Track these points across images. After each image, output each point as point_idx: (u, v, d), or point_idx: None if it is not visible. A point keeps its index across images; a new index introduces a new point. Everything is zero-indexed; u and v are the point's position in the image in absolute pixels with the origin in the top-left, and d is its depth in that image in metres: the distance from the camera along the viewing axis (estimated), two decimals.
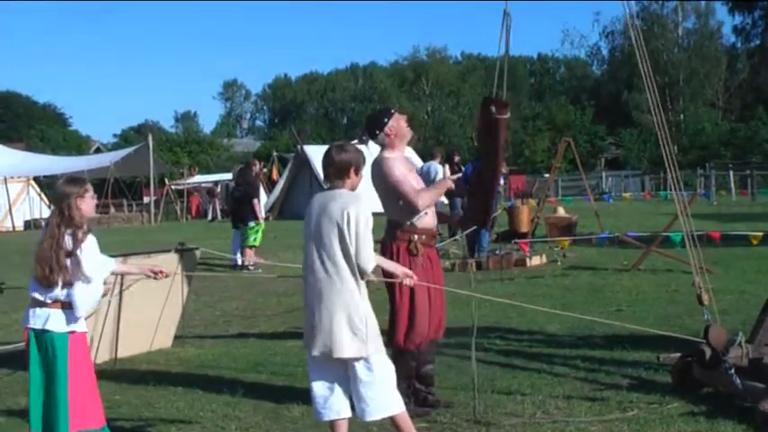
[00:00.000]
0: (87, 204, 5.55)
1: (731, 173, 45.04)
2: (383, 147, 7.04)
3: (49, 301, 5.38)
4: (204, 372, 8.79)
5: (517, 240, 16.50)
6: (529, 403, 6.99)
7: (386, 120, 6.99)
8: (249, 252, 17.47)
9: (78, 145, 75.29)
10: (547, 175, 39.25)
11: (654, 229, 17.08)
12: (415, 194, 6.76)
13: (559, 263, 16.39)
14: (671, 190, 7.65)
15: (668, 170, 7.55)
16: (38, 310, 5.40)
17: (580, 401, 6.96)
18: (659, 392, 7.04)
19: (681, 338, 7.35)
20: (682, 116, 65.87)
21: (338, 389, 5.76)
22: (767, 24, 57.75)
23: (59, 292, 5.38)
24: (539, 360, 8.48)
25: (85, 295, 5.44)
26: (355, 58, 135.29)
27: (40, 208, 41.80)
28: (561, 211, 20.44)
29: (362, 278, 5.69)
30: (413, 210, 6.77)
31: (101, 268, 5.59)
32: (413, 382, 6.95)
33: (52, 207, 5.53)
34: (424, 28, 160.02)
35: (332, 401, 5.75)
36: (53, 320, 5.38)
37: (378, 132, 6.99)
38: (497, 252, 16.66)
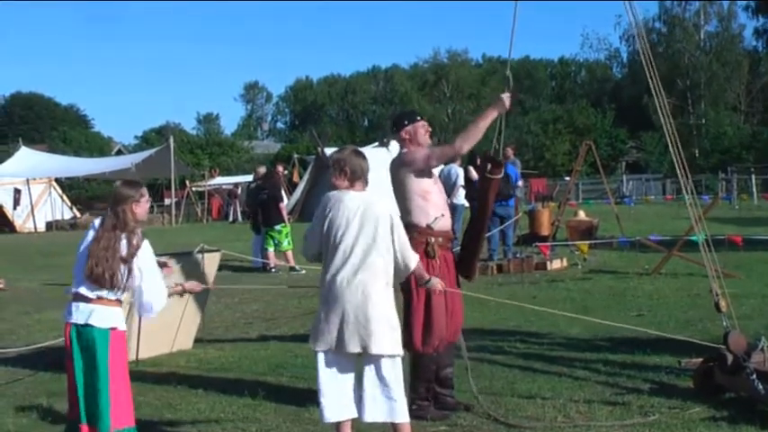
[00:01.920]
0: (142, 209, 5.72)
1: (753, 176, 44.78)
2: (400, 147, 7.13)
3: (93, 297, 5.47)
4: (225, 373, 8.82)
5: (538, 243, 16.48)
6: (549, 407, 6.98)
7: (406, 122, 7.06)
8: (270, 254, 17.58)
9: (100, 146, 75.61)
10: (567, 179, 39.16)
11: (675, 233, 17.01)
12: (448, 146, 6.89)
13: (580, 266, 16.35)
14: (690, 194, 7.58)
15: (680, 177, 7.52)
16: (81, 305, 5.48)
17: (601, 406, 6.94)
18: (681, 397, 7.02)
19: (701, 344, 7.32)
20: (703, 120, 65.56)
21: (348, 390, 5.82)
22: None
23: (106, 291, 5.49)
24: (559, 364, 8.46)
25: (153, 295, 5.63)
26: (377, 61, 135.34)
27: (62, 209, 42.08)
28: (582, 215, 20.39)
29: (403, 277, 5.85)
30: (457, 152, 7.09)
31: (158, 269, 5.73)
32: (432, 386, 6.96)
33: (108, 208, 5.63)
34: (445, 31, 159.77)
35: (342, 402, 5.80)
36: (96, 316, 5.46)
37: (395, 130, 7.10)
38: (518, 255, 16.64)
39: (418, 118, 7.14)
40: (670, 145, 7.49)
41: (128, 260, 5.50)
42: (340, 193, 5.94)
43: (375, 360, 5.72)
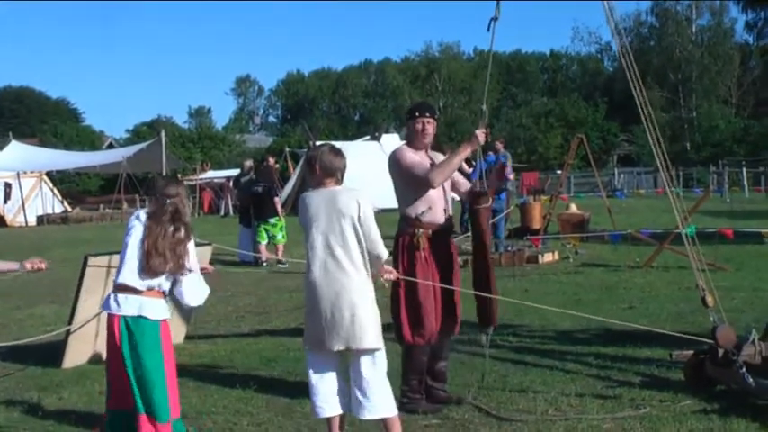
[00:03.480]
0: (187, 207, 5.78)
1: (744, 170, 44.95)
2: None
3: (143, 289, 5.48)
4: (217, 367, 8.82)
5: (529, 237, 16.50)
6: (541, 400, 6.98)
7: (417, 114, 7.04)
8: (262, 248, 17.57)
9: (91, 140, 75.42)
10: (559, 172, 39.17)
11: (666, 226, 17.04)
12: (426, 172, 6.78)
13: (572, 260, 16.37)
14: (673, 188, 7.58)
15: (662, 172, 7.54)
16: (130, 297, 5.47)
17: (592, 399, 6.95)
18: (672, 390, 7.03)
19: (691, 339, 7.33)
20: (695, 113, 65.70)
21: (337, 385, 5.87)
22: None
23: (158, 282, 5.53)
24: (551, 357, 8.47)
25: (197, 287, 5.72)
26: (368, 55, 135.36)
27: (53, 203, 41.99)
28: (574, 208, 20.42)
29: (377, 266, 5.87)
30: (430, 185, 6.75)
31: (197, 263, 5.79)
32: (425, 378, 6.94)
33: (166, 201, 5.62)
34: (437, 24, 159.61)
35: (332, 398, 5.84)
36: (148, 308, 5.47)
37: (407, 118, 7.17)
38: (510, 248, 16.66)
39: (426, 114, 7.06)
40: (652, 144, 7.49)
41: (186, 250, 5.58)
42: (311, 191, 5.98)
43: (357, 355, 5.76)
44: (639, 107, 7.29)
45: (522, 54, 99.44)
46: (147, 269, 5.46)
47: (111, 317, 5.51)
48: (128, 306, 5.46)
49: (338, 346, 5.72)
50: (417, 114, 7.02)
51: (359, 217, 5.74)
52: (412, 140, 7.07)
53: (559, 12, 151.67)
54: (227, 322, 11.55)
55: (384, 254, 5.90)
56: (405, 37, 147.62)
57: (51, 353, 9.22)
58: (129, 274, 5.49)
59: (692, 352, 7.27)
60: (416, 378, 6.88)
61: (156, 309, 5.51)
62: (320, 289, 5.73)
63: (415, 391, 6.88)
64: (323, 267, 5.74)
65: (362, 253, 5.76)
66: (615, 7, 7.34)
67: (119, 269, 5.59)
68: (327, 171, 5.93)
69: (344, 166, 6.01)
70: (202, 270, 6.12)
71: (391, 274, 6.28)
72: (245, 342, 10.06)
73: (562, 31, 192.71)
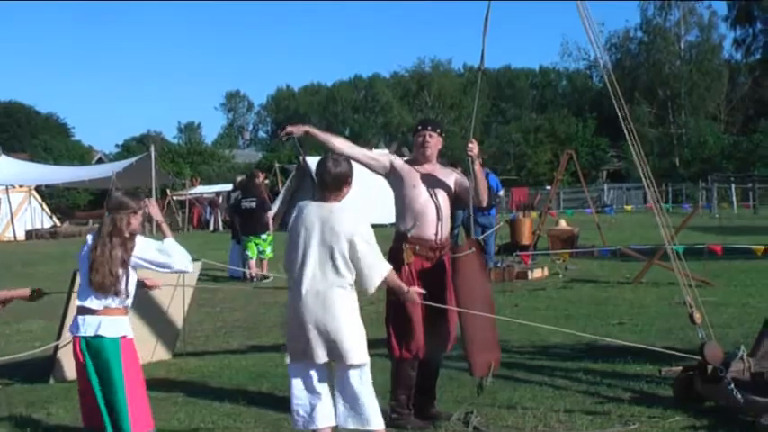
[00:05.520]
0: (137, 221, 5.75)
1: (733, 186, 45.07)
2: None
3: (100, 309, 5.51)
4: (205, 383, 8.79)
5: (519, 253, 16.50)
6: (530, 416, 6.97)
7: (417, 128, 7.15)
8: (253, 263, 17.54)
9: (81, 155, 75.19)
10: (549, 188, 39.28)
11: (656, 242, 17.06)
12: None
13: (561, 275, 16.39)
14: (658, 203, 7.60)
15: (647, 188, 7.57)
16: (88, 317, 5.52)
17: (582, 415, 6.95)
18: (661, 406, 7.03)
19: (680, 355, 7.34)
20: (684, 129, 65.90)
21: (324, 397, 5.86)
22: None
23: (111, 300, 5.54)
24: (540, 373, 8.47)
25: (177, 252, 5.79)
26: (358, 70, 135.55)
27: (42, 218, 41.81)
28: (563, 224, 20.44)
29: (372, 289, 5.86)
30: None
31: (155, 246, 5.78)
32: (412, 393, 6.92)
33: (105, 215, 5.66)
34: (425, 40, 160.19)
35: (318, 411, 5.83)
36: (105, 327, 5.50)
37: (412, 134, 7.24)
38: (499, 264, 16.66)
39: (428, 128, 7.10)
40: (636, 159, 7.49)
41: (125, 265, 5.55)
42: (306, 203, 5.98)
43: (342, 370, 5.77)
44: (621, 117, 7.26)
45: (511, 70, 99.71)
46: (93, 288, 5.48)
47: (74, 338, 5.58)
48: (86, 327, 5.51)
49: (323, 359, 5.73)
50: (420, 128, 7.10)
51: (350, 239, 5.71)
52: (414, 153, 7.12)
53: (548, 28, 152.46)
54: (215, 338, 11.52)
55: (385, 270, 5.88)
56: (394, 53, 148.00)
57: (39, 368, 9.18)
58: (85, 296, 5.54)
59: (681, 368, 7.28)
60: (405, 393, 6.86)
61: (114, 326, 5.54)
62: (307, 303, 5.72)
63: (403, 406, 6.86)
64: (311, 281, 5.73)
65: (349, 270, 5.74)
66: (589, 7, 7.26)
67: (79, 291, 5.62)
68: (324, 184, 5.93)
69: (345, 180, 5.97)
70: (148, 286, 6.25)
71: (414, 294, 6.27)
72: (233, 358, 10.04)
73: (551, 47, 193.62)
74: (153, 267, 5.76)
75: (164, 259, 5.72)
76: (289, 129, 6.68)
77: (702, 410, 6.87)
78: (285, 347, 6.00)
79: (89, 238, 5.70)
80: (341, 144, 6.90)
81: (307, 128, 6.75)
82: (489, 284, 7.14)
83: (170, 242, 5.86)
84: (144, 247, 5.70)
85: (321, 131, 6.83)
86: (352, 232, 5.73)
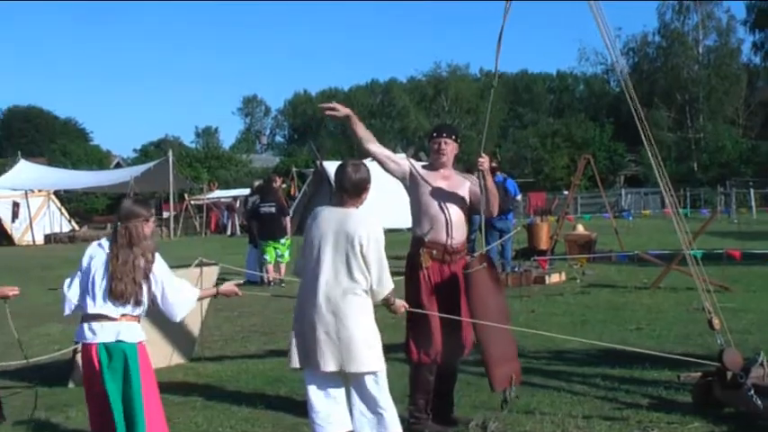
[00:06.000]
0: (149, 228, 5.74)
1: (752, 190, 44.85)
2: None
3: (118, 316, 5.48)
4: (223, 387, 8.81)
5: (536, 257, 16.47)
6: (548, 422, 6.96)
7: (433, 134, 7.12)
8: (271, 268, 17.60)
9: (99, 160, 75.55)
10: (566, 193, 39.15)
11: (674, 247, 17.01)
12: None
13: (579, 280, 16.34)
14: (676, 209, 7.55)
15: (665, 193, 7.54)
16: (105, 324, 5.46)
17: (600, 421, 6.92)
18: (680, 412, 7.00)
19: (698, 362, 7.31)
20: (702, 134, 65.63)
21: (341, 403, 5.85)
22: None
23: (130, 308, 5.51)
24: (558, 378, 8.44)
25: (176, 302, 5.74)
26: (375, 75, 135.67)
27: (60, 222, 42.04)
28: (581, 229, 20.38)
29: (378, 299, 5.81)
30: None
31: (174, 277, 5.77)
32: (431, 398, 6.91)
33: (118, 225, 5.63)
34: (442, 45, 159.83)
35: (334, 416, 5.83)
36: (125, 332, 5.48)
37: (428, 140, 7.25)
38: (516, 269, 16.64)
39: (443, 134, 7.08)
40: (653, 164, 7.45)
41: (147, 274, 5.55)
42: (323, 208, 5.99)
43: (356, 377, 5.76)
44: (637, 121, 7.23)
45: (528, 74, 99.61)
46: (114, 296, 5.46)
47: (87, 346, 5.51)
48: (104, 333, 5.45)
49: (333, 368, 5.71)
50: (435, 135, 7.09)
51: (361, 244, 5.71)
52: (430, 159, 7.13)
53: (565, 32, 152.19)
54: (233, 342, 11.54)
55: (387, 287, 5.84)
56: (411, 57, 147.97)
57: (58, 372, 9.23)
58: (102, 304, 5.48)
59: (699, 374, 7.25)
60: (423, 398, 6.85)
61: (133, 332, 5.52)
62: (318, 309, 5.73)
63: (421, 410, 6.86)
64: (323, 288, 5.74)
65: (364, 276, 5.73)
66: (602, 8, 7.23)
67: (84, 298, 5.56)
68: (343, 188, 5.93)
69: (365, 186, 5.97)
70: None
71: (400, 307, 6.25)
72: (251, 362, 10.05)
73: (568, 52, 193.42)
74: (160, 291, 5.70)
75: (172, 291, 5.70)
76: (336, 104, 6.64)
77: (722, 417, 6.83)
78: (289, 353, 5.99)
79: (95, 247, 5.66)
80: (370, 140, 6.85)
81: (350, 112, 6.71)
82: (503, 297, 7.10)
83: (189, 285, 5.89)
84: (163, 268, 5.69)
85: (360, 122, 6.79)
86: (368, 236, 5.73)
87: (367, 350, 5.70)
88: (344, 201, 5.92)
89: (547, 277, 16.43)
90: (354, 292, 5.72)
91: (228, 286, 6.38)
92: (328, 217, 5.88)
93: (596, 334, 10.34)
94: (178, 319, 5.88)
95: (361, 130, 6.77)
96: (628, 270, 17.01)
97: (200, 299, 6.09)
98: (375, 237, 5.76)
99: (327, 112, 6.68)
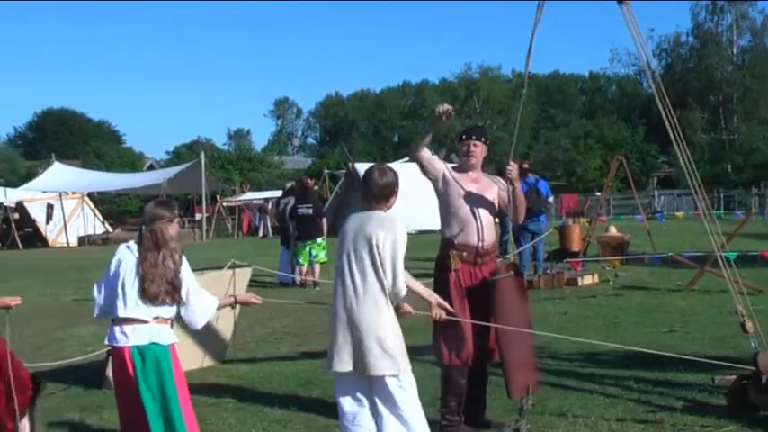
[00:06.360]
0: (174, 229, 5.76)
1: None
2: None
3: (150, 319, 5.51)
4: (255, 389, 8.83)
5: (569, 259, 16.40)
6: (581, 425, 6.93)
7: (462, 137, 7.09)
8: (304, 270, 17.69)
9: (132, 162, 76.18)
10: (598, 194, 39.01)
11: (707, 249, 16.87)
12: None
13: (611, 282, 16.25)
14: (707, 211, 7.50)
15: (695, 195, 7.48)
16: (138, 326, 5.49)
17: (633, 423, 6.88)
18: (714, 415, 6.95)
19: (731, 365, 7.25)
20: (736, 135, 65.13)
21: (366, 406, 5.84)
22: None
23: (164, 309, 5.56)
24: (591, 381, 8.40)
25: (198, 309, 5.77)
26: (407, 77, 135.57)
27: (94, 224, 42.36)
28: (613, 230, 20.22)
29: (394, 302, 5.78)
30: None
31: (197, 283, 5.80)
32: (463, 400, 6.90)
33: (143, 228, 5.67)
34: (475, 46, 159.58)
35: (360, 418, 5.82)
36: (158, 334, 5.52)
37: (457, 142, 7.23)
38: (549, 271, 16.58)
39: (472, 137, 7.05)
40: (683, 166, 7.40)
41: (177, 276, 5.59)
42: (354, 214, 6.00)
43: (377, 380, 5.74)
44: (667, 123, 7.19)
45: (560, 75, 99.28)
46: (148, 298, 5.49)
47: (119, 349, 5.54)
48: (137, 336, 5.48)
49: (347, 368, 5.73)
50: (464, 137, 7.06)
51: (377, 245, 5.69)
52: (460, 162, 7.12)
53: (598, 33, 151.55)
54: (265, 344, 11.57)
55: (401, 291, 5.78)
56: (443, 59, 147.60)
57: (92, 373, 9.29)
58: (134, 307, 5.51)
59: (734, 377, 7.19)
60: (455, 400, 6.84)
61: (166, 334, 5.56)
62: (340, 313, 5.77)
63: (453, 413, 6.84)
64: (344, 292, 5.76)
65: (381, 282, 5.71)
66: (633, 8, 7.17)
67: (114, 302, 5.58)
68: (371, 193, 5.94)
69: (392, 190, 5.96)
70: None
71: (409, 312, 6.21)
72: (283, 364, 10.07)
73: (600, 53, 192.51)
74: (185, 295, 5.72)
75: (195, 298, 5.73)
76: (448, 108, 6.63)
77: (756, 420, 6.77)
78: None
79: (124, 250, 5.69)
80: (427, 143, 6.91)
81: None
82: (527, 306, 7.06)
83: (207, 293, 5.92)
84: (188, 272, 5.73)
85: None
86: (383, 238, 5.71)
87: (382, 354, 5.66)
88: (372, 205, 5.93)
89: (579, 279, 16.37)
90: (372, 295, 5.71)
91: (246, 295, 6.44)
92: (354, 221, 5.91)
93: (629, 336, 10.27)
94: (199, 327, 5.90)
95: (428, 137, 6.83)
96: (661, 272, 16.90)
97: (219, 308, 6.11)
98: (392, 237, 5.71)
99: (443, 113, 6.66)
